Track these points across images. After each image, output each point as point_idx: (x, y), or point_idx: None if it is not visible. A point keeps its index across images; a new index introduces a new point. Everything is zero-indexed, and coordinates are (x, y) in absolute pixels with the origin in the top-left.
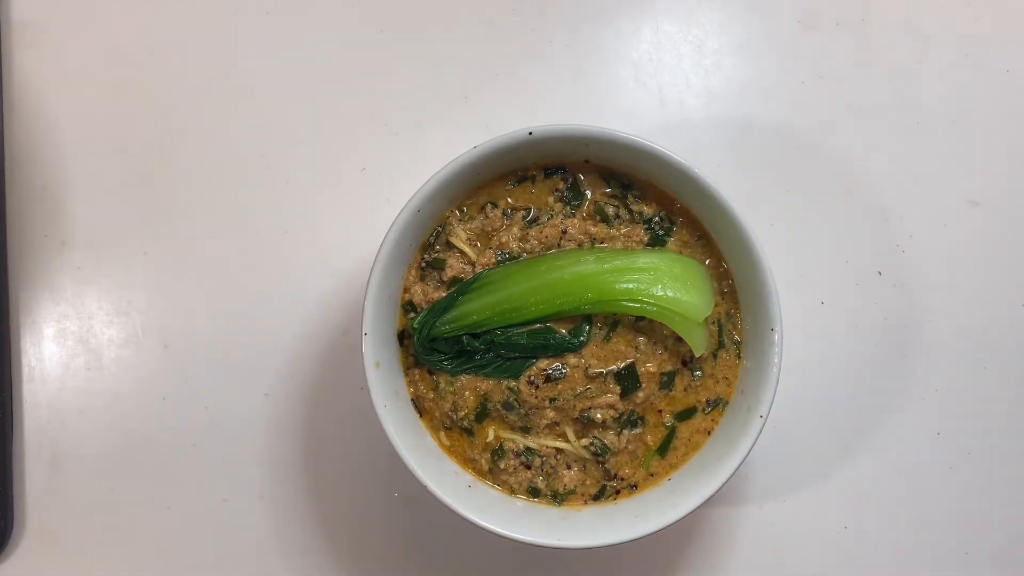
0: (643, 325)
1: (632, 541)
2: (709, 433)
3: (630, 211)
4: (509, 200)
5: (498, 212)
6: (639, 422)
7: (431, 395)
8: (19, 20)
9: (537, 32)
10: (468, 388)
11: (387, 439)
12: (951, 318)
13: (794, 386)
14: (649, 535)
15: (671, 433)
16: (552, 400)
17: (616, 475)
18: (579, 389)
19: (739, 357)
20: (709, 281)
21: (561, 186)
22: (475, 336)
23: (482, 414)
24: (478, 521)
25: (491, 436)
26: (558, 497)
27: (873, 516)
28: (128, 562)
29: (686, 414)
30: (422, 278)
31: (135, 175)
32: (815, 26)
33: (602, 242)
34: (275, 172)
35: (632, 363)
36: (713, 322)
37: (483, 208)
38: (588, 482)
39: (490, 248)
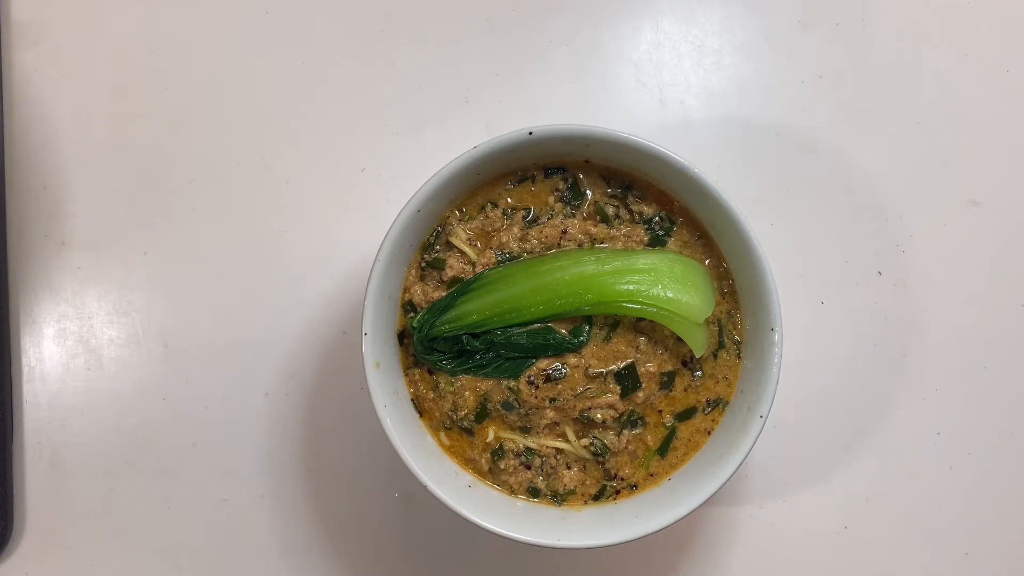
0: (643, 325)
1: (632, 541)
2: (709, 433)
3: (630, 211)
4: (509, 200)
5: (498, 212)
6: (639, 422)
7: (431, 395)
8: (19, 20)
9: (537, 32)
10: (468, 388)
11: (387, 439)
12: (951, 318)
13: (794, 386)
14: (649, 535)
15: (671, 433)
16: (552, 400)
17: (616, 475)
18: (579, 389)
19: (739, 357)
20: (710, 282)
21: (561, 186)
22: (475, 336)
23: (482, 414)
24: (478, 521)
25: (491, 436)
26: (558, 497)
27: (873, 516)
28: (128, 562)
29: (686, 414)
30: (422, 278)
31: (135, 175)
32: (815, 26)
33: (602, 242)
34: (275, 172)
35: (632, 363)
36: (713, 322)
37: (483, 208)
38: (588, 482)
39: (490, 248)
